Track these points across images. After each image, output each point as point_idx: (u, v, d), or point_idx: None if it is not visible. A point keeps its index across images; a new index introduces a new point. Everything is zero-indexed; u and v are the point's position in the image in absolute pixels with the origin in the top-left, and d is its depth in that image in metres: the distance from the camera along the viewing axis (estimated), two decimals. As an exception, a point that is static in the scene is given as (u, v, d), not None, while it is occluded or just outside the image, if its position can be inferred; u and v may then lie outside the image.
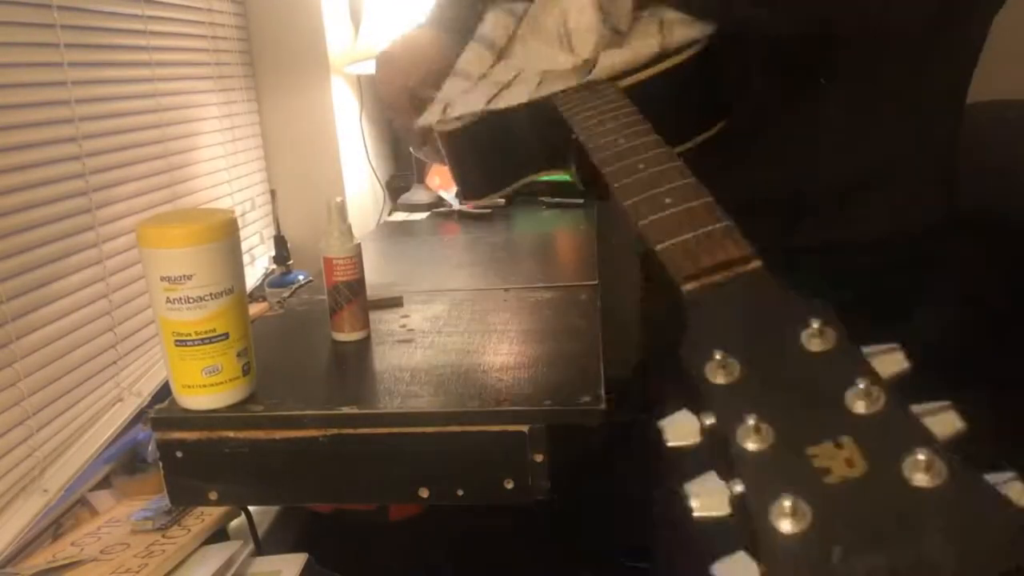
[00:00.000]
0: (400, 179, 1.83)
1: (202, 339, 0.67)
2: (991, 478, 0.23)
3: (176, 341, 0.67)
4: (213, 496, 0.71)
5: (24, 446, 0.86)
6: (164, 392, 0.72)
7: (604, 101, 0.60)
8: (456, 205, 1.59)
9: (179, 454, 0.70)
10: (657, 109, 0.55)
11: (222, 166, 1.38)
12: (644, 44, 0.62)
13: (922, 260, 0.69)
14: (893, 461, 0.24)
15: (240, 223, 1.38)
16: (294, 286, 1.22)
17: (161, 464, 0.71)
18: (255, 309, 1.07)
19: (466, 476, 0.69)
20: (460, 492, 0.69)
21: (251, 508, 0.93)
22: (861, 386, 0.26)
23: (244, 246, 1.34)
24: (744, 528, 0.25)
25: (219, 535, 0.87)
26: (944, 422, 0.26)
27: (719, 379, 0.30)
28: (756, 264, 0.37)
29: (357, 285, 0.83)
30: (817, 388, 0.28)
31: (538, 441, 0.67)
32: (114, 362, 1.03)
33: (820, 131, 0.66)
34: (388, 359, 0.81)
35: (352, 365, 0.82)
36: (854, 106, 0.65)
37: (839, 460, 0.25)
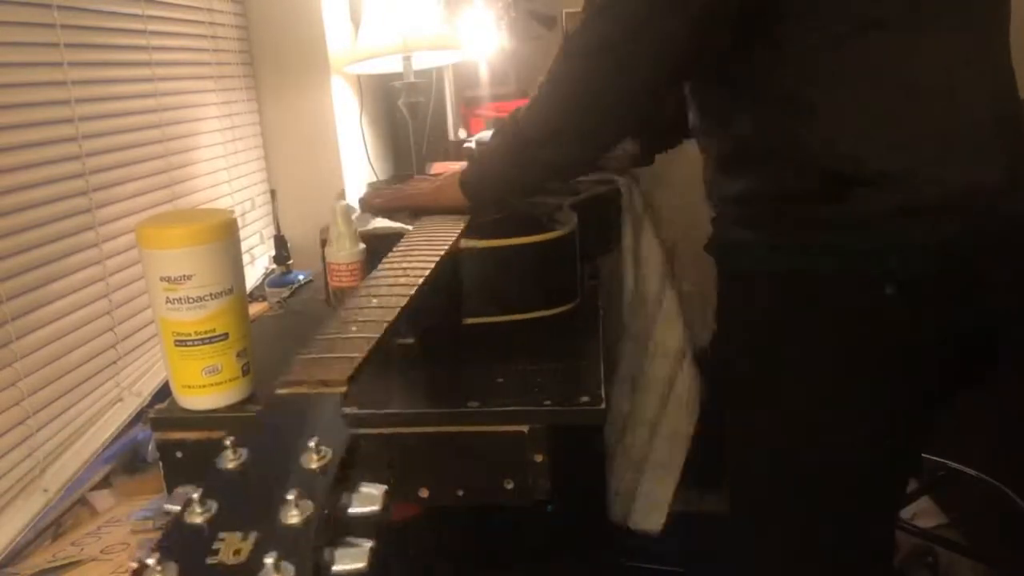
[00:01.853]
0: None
1: (202, 339, 0.67)
2: None
3: (176, 341, 0.67)
4: (213, 496, 0.71)
5: (24, 446, 0.86)
6: (164, 392, 0.72)
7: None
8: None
9: (179, 454, 0.70)
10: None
11: (222, 166, 1.38)
12: None
13: None
14: (261, 562, 0.28)
15: (240, 223, 1.38)
16: (294, 286, 1.22)
17: (161, 464, 0.71)
18: (255, 309, 1.07)
19: (466, 476, 0.69)
20: (460, 492, 0.69)
21: (251, 508, 0.92)
22: (291, 498, 0.31)
23: (244, 246, 1.34)
24: None
25: (219, 535, 0.87)
26: (350, 556, 0.32)
27: (227, 465, 0.35)
28: (341, 388, 0.45)
29: (359, 288, 0.83)
30: (271, 491, 0.32)
31: (538, 441, 0.67)
32: (114, 362, 1.03)
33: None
34: (387, 359, 0.81)
35: (352, 365, 0.82)
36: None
37: (231, 548, 0.29)
